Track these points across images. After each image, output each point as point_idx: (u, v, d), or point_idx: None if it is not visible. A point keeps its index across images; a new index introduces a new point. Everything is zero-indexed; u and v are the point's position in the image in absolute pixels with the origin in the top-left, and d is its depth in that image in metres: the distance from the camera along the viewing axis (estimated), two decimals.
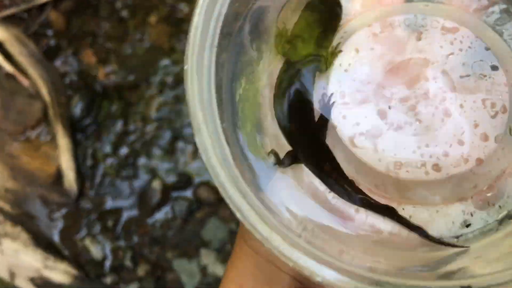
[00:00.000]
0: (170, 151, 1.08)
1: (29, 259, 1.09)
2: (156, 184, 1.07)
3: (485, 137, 0.38)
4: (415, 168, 0.38)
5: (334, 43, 0.40)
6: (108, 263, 1.11)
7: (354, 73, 0.40)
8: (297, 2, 0.41)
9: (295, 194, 0.39)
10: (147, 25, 1.10)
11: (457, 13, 0.40)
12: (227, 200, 0.31)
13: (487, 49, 0.39)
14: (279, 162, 0.38)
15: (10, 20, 1.11)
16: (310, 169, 0.39)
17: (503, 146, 0.38)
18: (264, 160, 0.39)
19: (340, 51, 0.40)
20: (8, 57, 1.09)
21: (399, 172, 0.38)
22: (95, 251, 1.10)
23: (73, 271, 1.08)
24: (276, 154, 0.38)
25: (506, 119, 0.38)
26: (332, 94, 0.39)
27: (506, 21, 0.40)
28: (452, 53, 0.39)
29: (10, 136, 1.09)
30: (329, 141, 0.39)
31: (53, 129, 1.08)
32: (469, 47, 0.39)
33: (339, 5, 0.40)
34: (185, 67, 0.33)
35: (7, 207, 1.07)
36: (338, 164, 0.39)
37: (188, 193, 1.07)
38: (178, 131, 1.08)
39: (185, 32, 0.36)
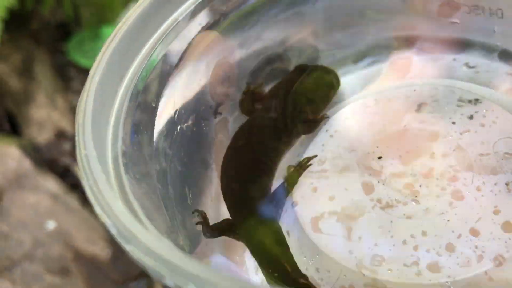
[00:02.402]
0: None
1: None
2: None
3: (509, 227, 0.26)
4: (403, 267, 0.26)
5: (322, 112, 0.33)
6: None
7: (340, 139, 0.32)
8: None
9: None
10: None
11: (480, 88, 0.32)
12: None
13: None
14: (206, 229, 0.29)
15: None
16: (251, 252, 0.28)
17: None
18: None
19: (328, 117, 0.32)
20: None
21: (378, 270, 0.26)
22: None
23: None
24: (204, 217, 0.29)
25: None
26: (312, 157, 0.31)
27: None
28: (467, 130, 0.30)
29: (114, 284, 1.11)
30: (284, 219, 0.29)
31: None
32: (494, 122, 0.30)
33: (335, 76, 0.34)
34: None
35: None
36: (291, 255, 0.28)
37: None
38: None
39: None
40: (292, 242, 0.29)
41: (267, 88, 0.34)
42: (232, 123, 0.33)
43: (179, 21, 0.30)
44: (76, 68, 1.21)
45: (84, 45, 1.19)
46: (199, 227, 0.29)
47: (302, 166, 0.31)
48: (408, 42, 0.35)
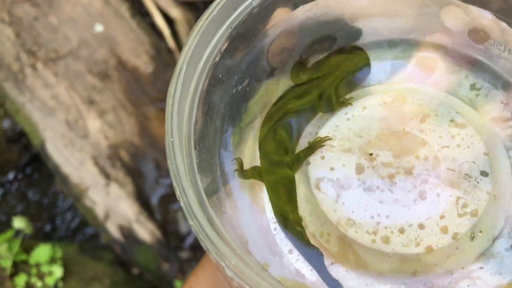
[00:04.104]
0: None
1: (126, 208, 1.21)
2: None
3: (445, 230, 0.37)
4: (365, 233, 0.37)
5: (348, 95, 0.42)
6: (189, 240, 1.16)
7: (353, 124, 0.41)
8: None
9: (245, 210, 0.39)
10: None
11: (472, 113, 0.40)
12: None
13: (485, 154, 0.39)
14: (240, 171, 0.39)
15: (187, 6, 1.26)
16: (268, 191, 0.39)
17: (457, 246, 0.37)
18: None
19: (350, 104, 0.41)
20: (175, 35, 1.24)
21: (348, 229, 0.38)
22: (183, 225, 1.16)
23: (158, 234, 1.18)
24: (240, 163, 0.40)
25: (473, 223, 0.37)
26: (326, 137, 0.40)
27: None
28: (447, 146, 0.39)
29: (150, 100, 1.23)
30: (298, 174, 0.40)
31: None
32: (468, 146, 0.39)
33: (368, 64, 0.42)
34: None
35: (126, 158, 1.20)
36: (295, 197, 0.39)
37: None
38: None
39: None
40: (301, 188, 0.40)
41: (312, 60, 0.43)
42: (283, 83, 0.43)
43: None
44: None
45: None
46: (236, 172, 0.40)
47: (318, 143, 0.40)
48: (436, 47, 0.42)
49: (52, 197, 1.30)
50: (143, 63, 1.25)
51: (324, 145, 0.40)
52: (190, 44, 0.35)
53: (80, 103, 1.24)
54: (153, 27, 1.28)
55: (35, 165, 1.31)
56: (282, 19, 0.40)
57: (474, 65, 0.41)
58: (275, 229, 0.39)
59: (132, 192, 1.24)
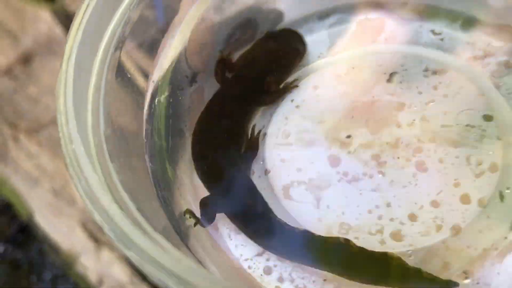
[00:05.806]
0: None
1: (119, 271, 1.14)
2: None
3: (466, 199, 0.28)
4: (368, 235, 0.28)
5: (290, 79, 0.33)
6: None
7: (307, 110, 0.32)
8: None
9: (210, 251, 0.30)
10: None
11: (445, 56, 0.33)
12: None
13: (481, 95, 0.31)
14: (199, 223, 0.30)
15: None
16: (229, 217, 0.30)
17: (488, 214, 0.28)
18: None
19: (296, 86, 0.33)
20: None
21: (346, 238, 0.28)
22: None
23: None
24: (192, 213, 0.30)
25: (496, 180, 0.29)
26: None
27: (503, 74, 0.32)
28: (432, 101, 0.31)
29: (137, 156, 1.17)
30: (258, 185, 0.30)
31: None
32: (457, 93, 0.31)
33: (302, 42, 0.34)
34: None
35: None
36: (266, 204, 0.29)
37: None
38: None
39: None
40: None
41: (237, 55, 0.34)
42: (208, 91, 0.34)
43: None
44: None
45: None
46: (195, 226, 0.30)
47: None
48: (376, 4, 0.35)
49: (43, 266, 1.23)
50: (127, 121, 1.21)
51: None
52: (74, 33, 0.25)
53: (65, 170, 1.20)
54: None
55: (25, 235, 1.25)
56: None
57: (424, 12, 0.34)
58: (249, 268, 0.29)
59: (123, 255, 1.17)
